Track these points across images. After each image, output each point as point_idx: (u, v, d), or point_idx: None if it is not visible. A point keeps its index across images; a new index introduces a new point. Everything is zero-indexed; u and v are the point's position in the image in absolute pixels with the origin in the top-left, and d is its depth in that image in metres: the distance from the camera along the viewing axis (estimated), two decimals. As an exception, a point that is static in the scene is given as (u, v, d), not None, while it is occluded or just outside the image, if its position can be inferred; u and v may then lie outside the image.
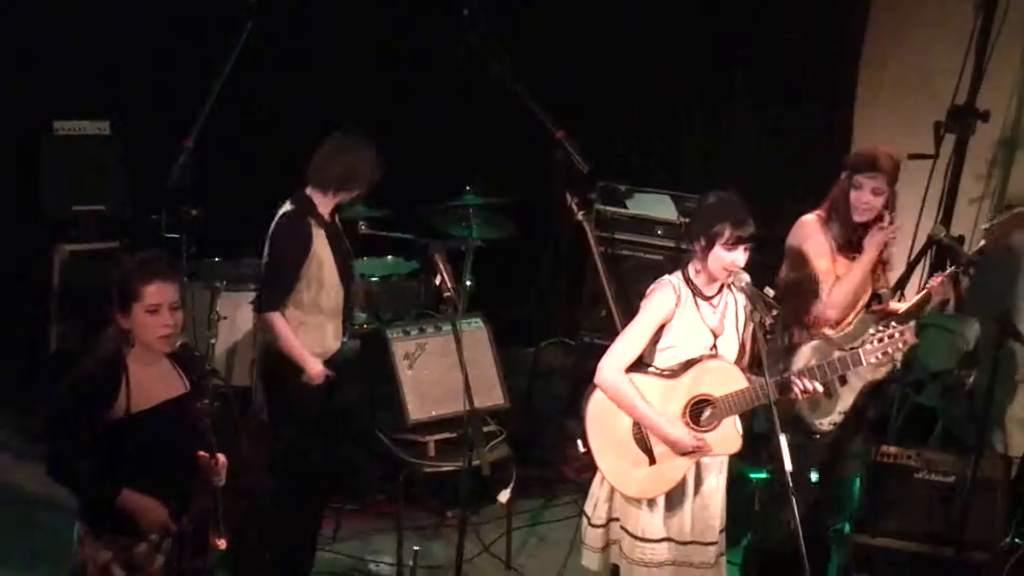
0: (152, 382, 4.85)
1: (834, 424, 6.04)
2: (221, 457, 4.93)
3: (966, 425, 7.08)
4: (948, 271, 5.96)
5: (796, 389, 5.32)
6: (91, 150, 8.25)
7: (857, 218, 5.89)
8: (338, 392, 6.44)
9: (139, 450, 4.78)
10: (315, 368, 6.14)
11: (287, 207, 6.14)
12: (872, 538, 6.63)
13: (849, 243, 5.91)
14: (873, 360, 5.33)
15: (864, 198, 5.86)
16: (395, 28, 8.91)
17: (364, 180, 6.19)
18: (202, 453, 4.94)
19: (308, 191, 6.15)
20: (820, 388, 5.37)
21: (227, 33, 7.37)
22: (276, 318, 6.09)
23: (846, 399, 6.01)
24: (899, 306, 6.10)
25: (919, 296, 5.98)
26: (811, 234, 5.95)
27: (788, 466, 5.02)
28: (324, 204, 6.17)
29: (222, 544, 4.98)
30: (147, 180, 7.94)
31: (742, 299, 5.41)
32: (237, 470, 5.58)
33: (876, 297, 5.99)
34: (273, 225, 6.15)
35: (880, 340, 5.30)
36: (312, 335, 6.19)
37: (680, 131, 9.60)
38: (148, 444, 4.79)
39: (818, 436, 6.06)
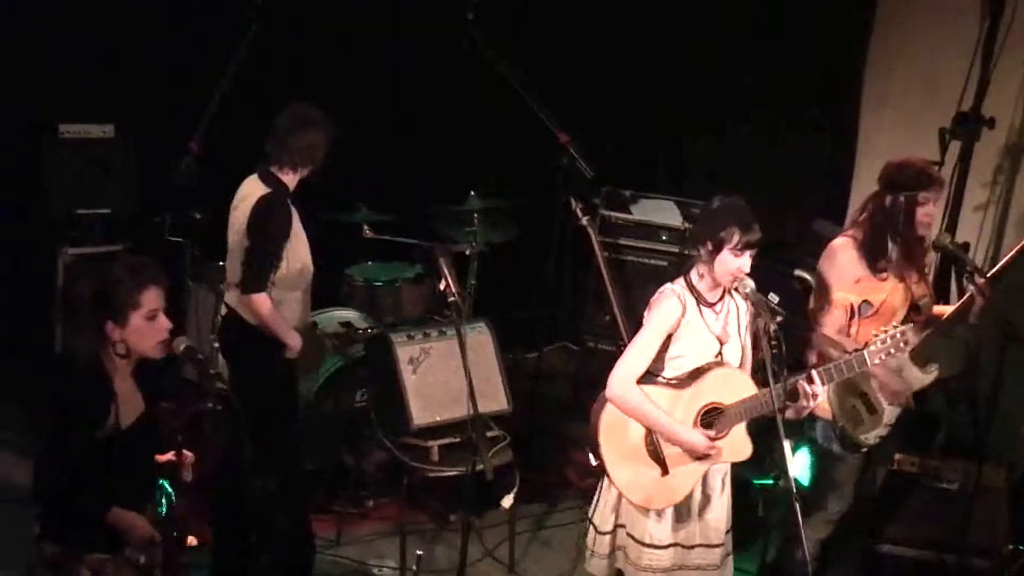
0: (129, 396, 4.80)
1: (880, 437, 6.03)
2: (188, 454, 4.89)
3: (970, 432, 7.08)
4: (988, 275, 5.93)
5: (799, 392, 5.27)
6: (95, 153, 8.25)
7: (922, 232, 5.90)
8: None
9: (124, 465, 4.74)
10: (297, 341, 6.25)
11: (262, 189, 6.18)
12: (875, 544, 6.63)
13: (903, 258, 5.91)
14: (877, 361, 5.31)
15: (929, 212, 5.87)
16: (399, 32, 8.90)
17: (324, 154, 6.23)
18: (164, 456, 4.91)
19: (275, 170, 6.20)
20: (820, 393, 5.35)
21: (232, 36, 7.37)
22: (262, 298, 6.15)
23: (893, 411, 6.02)
24: (943, 309, 6.09)
25: (963, 299, 5.97)
26: (836, 260, 5.94)
27: (792, 473, 5.01)
28: (291, 181, 6.23)
29: (192, 541, 4.97)
30: (151, 183, 7.95)
31: (744, 304, 5.41)
32: (242, 473, 5.58)
33: (915, 308, 5.98)
34: (255, 208, 6.15)
35: (883, 341, 5.27)
36: (291, 311, 6.28)
37: (685, 136, 9.60)
38: (131, 458, 4.76)
39: (865, 450, 6.07)
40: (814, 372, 5.30)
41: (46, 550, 4.81)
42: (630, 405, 5.33)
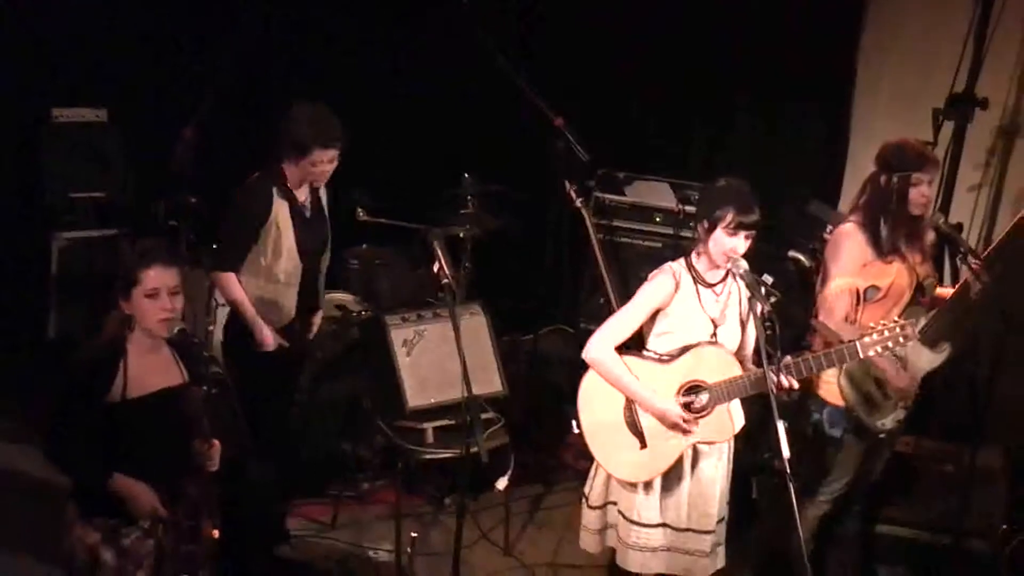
0: (150, 369, 4.88)
1: (898, 421, 6.02)
2: (215, 443, 4.96)
3: (967, 414, 7.09)
4: (980, 260, 5.92)
5: (774, 381, 5.16)
6: (89, 137, 8.24)
7: (916, 212, 5.88)
8: (298, 364, 6.65)
9: (133, 436, 4.81)
10: (263, 334, 6.19)
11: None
12: (872, 525, 6.64)
13: (904, 240, 5.89)
14: (872, 353, 5.31)
15: (924, 192, 5.85)
16: (394, 17, 8.88)
17: (309, 142, 6.08)
18: (199, 441, 4.95)
19: (276, 160, 6.21)
20: (796, 384, 5.33)
21: (227, 20, 7.36)
22: (227, 278, 6.16)
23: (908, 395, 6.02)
24: (946, 291, 6.08)
25: (961, 283, 5.97)
26: (843, 246, 5.91)
27: (786, 454, 5.01)
28: (293, 175, 6.20)
29: (216, 532, 5.00)
30: (146, 167, 7.94)
31: (745, 288, 5.41)
32: (237, 457, 5.59)
33: (920, 289, 5.98)
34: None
35: (880, 333, 5.27)
36: (269, 304, 6.25)
37: (679, 118, 9.58)
38: (142, 430, 4.82)
39: (883, 436, 6.07)
40: (800, 360, 5.31)
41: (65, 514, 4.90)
42: (605, 368, 5.37)
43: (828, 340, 5.78)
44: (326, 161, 6.12)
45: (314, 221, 6.36)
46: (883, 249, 5.85)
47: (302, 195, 6.27)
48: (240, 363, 6.31)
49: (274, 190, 6.15)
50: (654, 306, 5.36)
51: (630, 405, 5.42)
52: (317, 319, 6.67)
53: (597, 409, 5.46)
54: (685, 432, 5.38)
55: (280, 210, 6.16)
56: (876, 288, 5.86)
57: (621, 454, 5.44)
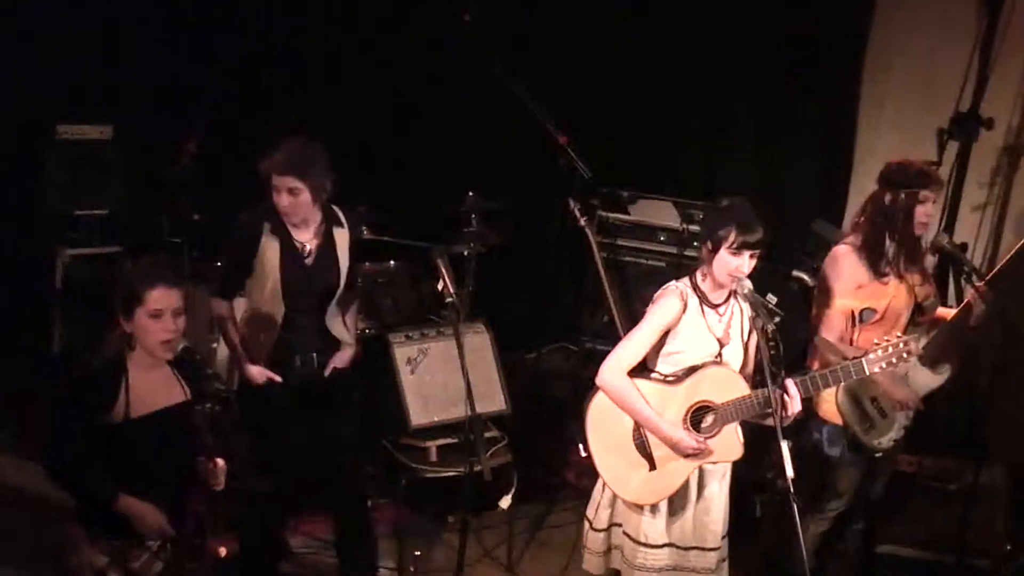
0: (152, 388, 4.86)
1: (894, 441, 6.01)
2: (220, 461, 4.94)
3: (969, 432, 7.08)
4: (982, 283, 5.91)
5: (778, 401, 5.14)
6: (93, 153, 8.25)
7: (920, 232, 5.88)
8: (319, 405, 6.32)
9: (137, 455, 4.79)
10: (243, 366, 6.05)
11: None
12: (874, 544, 6.63)
13: (904, 259, 5.89)
14: (877, 369, 5.30)
15: (928, 210, 5.85)
16: (397, 34, 8.89)
17: (265, 173, 5.89)
18: (204, 459, 4.94)
19: None
20: (799, 405, 5.31)
21: (230, 37, 7.36)
22: (217, 303, 6.09)
23: (905, 413, 6.01)
24: (946, 312, 6.08)
25: (963, 304, 5.96)
26: (837, 267, 5.91)
27: (790, 473, 5.00)
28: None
29: (223, 551, 4.99)
30: (149, 184, 7.94)
31: (747, 308, 5.40)
32: (239, 473, 5.59)
33: (920, 310, 5.97)
34: None
35: (885, 350, 5.26)
36: (252, 337, 6.11)
37: (683, 137, 9.59)
38: (146, 449, 4.81)
39: (879, 455, 6.06)
40: (788, 381, 5.28)
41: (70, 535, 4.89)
42: (618, 394, 5.34)
43: (827, 359, 5.78)
44: (284, 191, 5.86)
45: (317, 265, 6.11)
46: (880, 269, 5.85)
47: (304, 235, 6.06)
48: (247, 404, 6.15)
49: (266, 226, 5.98)
50: (663, 327, 5.35)
51: (639, 428, 5.40)
52: (338, 359, 6.30)
53: (606, 432, 5.44)
54: (700, 459, 5.37)
55: (269, 247, 5.99)
56: (872, 310, 5.86)
57: (631, 476, 5.42)
